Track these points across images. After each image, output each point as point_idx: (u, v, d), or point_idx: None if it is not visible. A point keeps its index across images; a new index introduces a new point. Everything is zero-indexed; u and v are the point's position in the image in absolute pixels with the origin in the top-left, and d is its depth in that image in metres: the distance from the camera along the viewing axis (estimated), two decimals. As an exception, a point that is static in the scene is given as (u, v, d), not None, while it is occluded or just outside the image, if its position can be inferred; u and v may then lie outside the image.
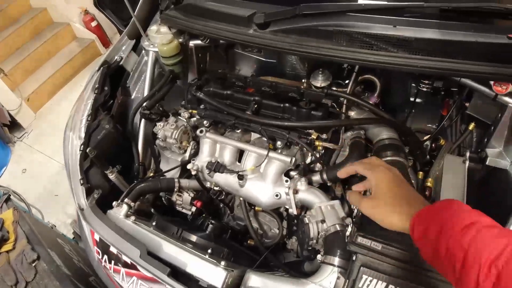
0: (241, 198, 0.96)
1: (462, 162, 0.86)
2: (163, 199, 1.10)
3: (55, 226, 1.73)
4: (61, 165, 2.35)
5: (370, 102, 0.98)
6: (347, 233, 0.68)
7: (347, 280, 0.62)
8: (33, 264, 0.99)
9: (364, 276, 0.59)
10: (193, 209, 1.04)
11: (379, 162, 0.60)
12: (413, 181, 0.87)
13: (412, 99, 1.13)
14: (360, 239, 0.62)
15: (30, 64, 2.96)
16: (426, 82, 1.03)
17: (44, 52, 3.08)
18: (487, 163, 0.83)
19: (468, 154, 0.86)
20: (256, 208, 1.01)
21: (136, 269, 0.75)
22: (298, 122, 0.89)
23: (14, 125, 2.70)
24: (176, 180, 0.98)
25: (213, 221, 0.98)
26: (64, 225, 1.96)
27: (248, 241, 1.04)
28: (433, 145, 0.96)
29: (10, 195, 1.25)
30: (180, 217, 1.08)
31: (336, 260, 0.70)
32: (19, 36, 3.02)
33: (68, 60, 3.11)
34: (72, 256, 1.17)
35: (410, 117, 1.13)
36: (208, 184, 1.02)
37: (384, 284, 0.58)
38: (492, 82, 0.80)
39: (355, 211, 0.81)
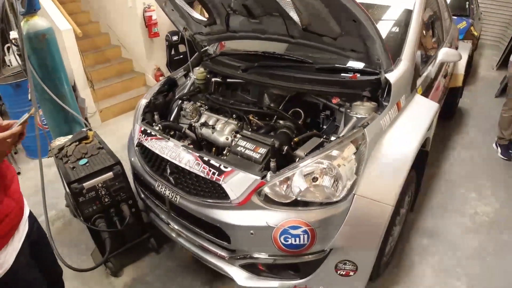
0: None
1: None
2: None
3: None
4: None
5: (285, 114, 2.07)
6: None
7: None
8: (98, 149, 2.08)
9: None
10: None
11: None
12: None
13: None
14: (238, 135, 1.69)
15: (110, 91, 4.48)
16: (323, 113, 2.12)
17: (121, 87, 4.64)
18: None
19: (324, 137, 1.85)
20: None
21: (155, 136, 1.82)
22: (242, 107, 2.00)
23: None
24: (184, 127, 2.09)
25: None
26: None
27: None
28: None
29: (91, 129, 2.41)
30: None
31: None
32: (108, 71, 4.67)
33: (134, 97, 4.60)
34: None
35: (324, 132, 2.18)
36: (200, 136, 2.10)
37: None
38: (332, 98, 1.88)
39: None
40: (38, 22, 1.98)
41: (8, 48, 3.30)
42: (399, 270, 2.07)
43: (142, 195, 2.11)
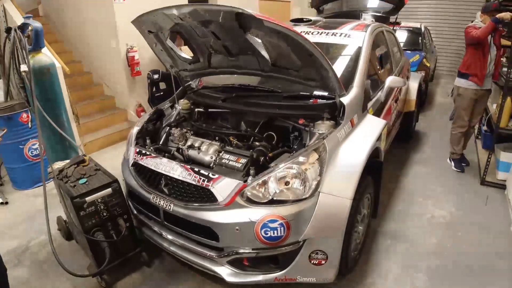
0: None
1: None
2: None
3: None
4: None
5: (260, 135, 2.46)
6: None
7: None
8: (95, 170, 2.37)
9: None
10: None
11: None
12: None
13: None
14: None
15: (94, 126, 4.78)
16: (292, 134, 2.53)
17: (104, 122, 4.94)
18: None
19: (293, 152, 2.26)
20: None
21: (150, 155, 2.16)
22: (223, 131, 2.39)
23: (68, 159, 4.28)
24: (173, 149, 2.43)
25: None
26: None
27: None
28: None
29: (86, 155, 2.70)
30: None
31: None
32: (91, 107, 5.00)
33: (117, 131, 4.90)
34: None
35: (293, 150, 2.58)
36: (187, 157, 2.44)
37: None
38: (298, 119, 2.29)
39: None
40: (42, 58, 2.34)
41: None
42: (367, 266, 2.41)
43: (135, 211, 2.39)
